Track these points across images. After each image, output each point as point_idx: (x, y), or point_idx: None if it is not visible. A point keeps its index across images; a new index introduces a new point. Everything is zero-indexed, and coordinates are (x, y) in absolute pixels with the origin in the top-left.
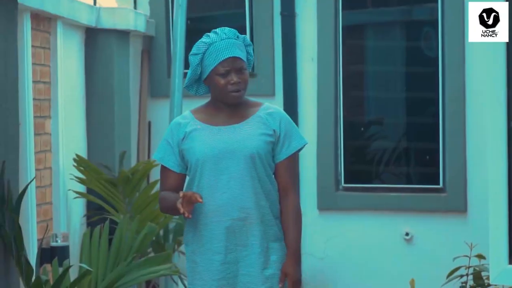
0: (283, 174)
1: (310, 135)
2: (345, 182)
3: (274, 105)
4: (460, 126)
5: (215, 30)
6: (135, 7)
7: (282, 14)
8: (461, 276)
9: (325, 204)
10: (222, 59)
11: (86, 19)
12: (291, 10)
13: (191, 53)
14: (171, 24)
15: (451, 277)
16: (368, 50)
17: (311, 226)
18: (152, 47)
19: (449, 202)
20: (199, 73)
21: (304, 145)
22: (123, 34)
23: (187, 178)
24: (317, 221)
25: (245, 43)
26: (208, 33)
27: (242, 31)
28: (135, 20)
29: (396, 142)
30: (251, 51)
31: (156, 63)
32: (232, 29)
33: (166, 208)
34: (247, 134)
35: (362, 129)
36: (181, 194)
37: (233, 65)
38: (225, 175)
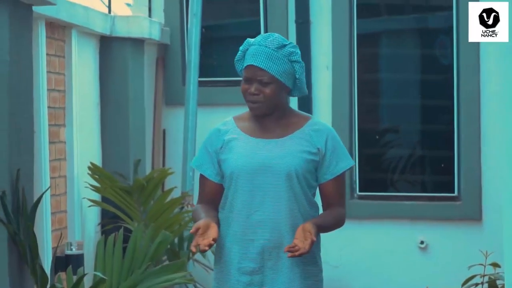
0: (329, 195)
1: None
2: (360, 191)
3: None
4: (475, 134)
5: (266, 34)
6: (149, 15)
7: (296, 22)
8: (476, 284)
9: None
10: (246, 64)
11: (101, 27)
12: (305, 18)
13: (240, 47)
14: (185, 32)
15: (466, 285)
16: (383, 58)
17: (326, 234)
18: (166, 55)
19: (464, 210)
20: (239, 69)
21: (352, 166)
22: (138, 42)
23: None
24: None
25: (290, 58)
26: (262, 34)
27: None
28: (149, 28)
29: (411, 150)
30: (299, 69)
31: (170, 71)
32: (281, 38)
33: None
34: (286, 151)
35: (377, 137)
36: (196, 226)
37: (254, 74)
38: (260, 192)
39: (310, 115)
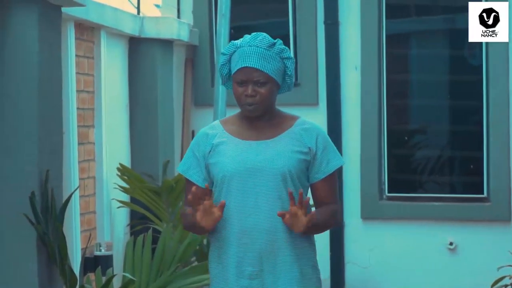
0: (323, 194)
1: (354, 144)
2: (388, 191)
3: (318, 115)
4: (504, 135)
5: (253, 33)
6: (178, 16)
7: (325, 22)
8: (506, 286)
9: (368, 213)
10: (240, 67)
11: (130, 28)
12: (334, 19)
13: (221, 51)
14: (214, 33)
15: (495, 287)
16: (411, 58)
17: (355, 235)
18: (195, 56)
19: (493, 211)
20: (226, 73)
21: (342, 165)
22: (167, 43)
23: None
24: (360, 230)
25: (282, 56)
26: (247, 35)
27: (285, 40)
28: (178, 29)
29: (440, 151)
30: (290, 65)
31: (199, 72)
32: (270, 37)
33: (188, 226)
34: (279, 151)
35: (406, 138)
36: (193, 189)
37: (250, 76)
38: (252, 194)
39: (297, 115)
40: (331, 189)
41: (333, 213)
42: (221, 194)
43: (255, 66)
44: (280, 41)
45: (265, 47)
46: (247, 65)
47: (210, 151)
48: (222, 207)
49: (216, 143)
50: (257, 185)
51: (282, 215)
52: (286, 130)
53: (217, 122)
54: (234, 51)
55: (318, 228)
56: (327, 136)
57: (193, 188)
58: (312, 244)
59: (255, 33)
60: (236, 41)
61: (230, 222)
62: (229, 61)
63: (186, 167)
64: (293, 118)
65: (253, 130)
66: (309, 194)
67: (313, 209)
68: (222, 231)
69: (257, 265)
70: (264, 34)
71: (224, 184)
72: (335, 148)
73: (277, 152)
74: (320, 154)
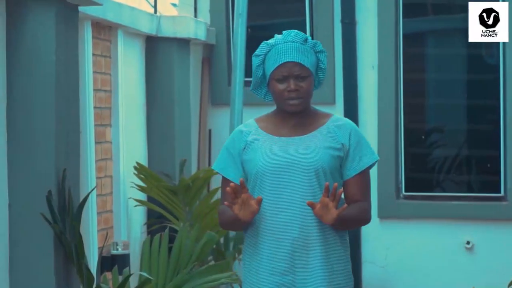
0: (353, 191)
1: (371, 143)
2: (405, 190)
3: (335, 114)
4: None
5: (284, 32)
6: (195, 16)
7: (342, 21)
8: None
9: (385, 213)
10: (280, 63)
11: (147, 28)
12: (351, 18)
13: (254, 54)
14: (231, 32)
15: None
16: (428, 57)
17: (372, 234)
18: (212, 55)
19: (511, 210)
20: (260, 75)
21: (376, 162)
22: (184, 43)
23: None
24: (377, 229)
25: (316, 49)
26: (277, 34)
27: None
28: (195, 28)
29: (457, 150)
30: (324, 59)
31: (216, 71)
32: (301, 32)
33: (226, 222)
34: (312, 147)
35: (423, 136)
36: (231, 185)
37: (291, 70)
38: (286, 190)
39: (331, 112)
40: (362, 186)
41: (363, 211)
42: (254, 190)
43: (297, 60)
44: (309, 36)
45: (300, 42)
46: (288, 60)
47: (245, 148)
48: (259, 201)
49: (250, 140)
50: (290, 181)
51: (312, 205)
52: (319, 127)
53: (251, 120)
54: (269, 50)
55: (346, 223)
56: (361, 133)
57: (231, 184)
58: (344, 241)
59: (286, 30)
60: (268, 41)
61: (263, 218)
62: (263, 62)
63: (222, 166)
64: (327, 115)
65: (287, 127)
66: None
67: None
68: (256, 227)
69: (289, 260)
70: (296, 30)
71: (257, 180)
72: (368, 144)
73: (310, 148)
74: (353, 151)
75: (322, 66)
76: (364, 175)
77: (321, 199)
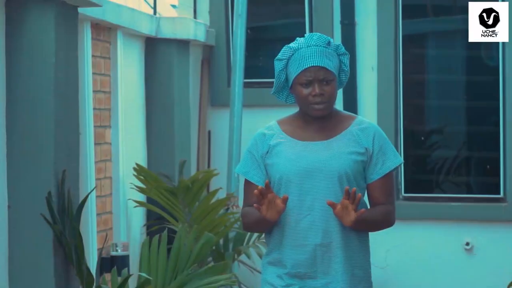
0: (377, 195)
1: None
2: (405, 192)
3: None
4: None
5: (306, 35)
6: (195, 17)
7: (342, 23)
8: None
9: None
10: (304, 67)
11: (146, 29)
12: (351, 19)
13: (276, 58)
14: (231, 33)
15: None
16: (428, 59)
17: (372, 235)
18: (212, 57)
19: (510, 211)
20: (283, 79)
21: (400, 165)
22: (183, 44)
23: None
24: None
25: (338, 52)
26: (298, 38)
27: None
28: (195, 29)
29: (457, 151)
30: (346, 61)
31: (216, 73)
32: (324, 35)
33: (251, 223)
34: (336, 152)
35: (423, 138)
36: (258, 188)
37: (316, 75)
38: (309, 195)
39: (355, 114)
40: (386, 190)
41: (386, 214)
42: (278, 195)
43: (322, 65)
44: (331, 38)
45: (324, 46)
46: (312, 64)
47: (268, 151)
48: (285, 200)
49: (273, 144)
50: (313, 186)
51: (332, 206)
52: (343, 130)
53: (274, 122)
54: (292, 55)
55: (367, 225)
56: (385, 135)
57: (259, 187)
58: (366, 247)
59: (308, 34)
60: (290, 45)
61: (286, 223)
62: (286, 66)
63: (246, 169)
64: (351, 118)
65: (310, 130)
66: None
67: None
68: (279, 233)
69: (311, 266)
70: (318, 33)
71: (281, 185)
72: (392, 147)
73: (334, 153)
74: (376, 155)
75: (345, 68)
76: (387, 178)
77: (342, 201)
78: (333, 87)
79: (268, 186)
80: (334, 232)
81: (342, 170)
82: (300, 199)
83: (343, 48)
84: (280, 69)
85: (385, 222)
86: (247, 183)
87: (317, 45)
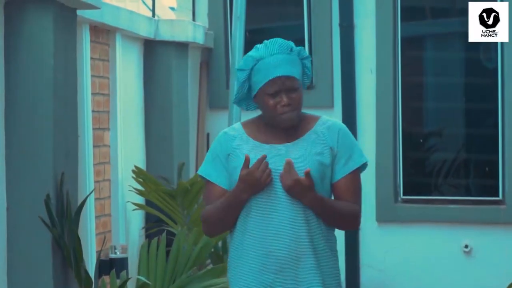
0: (341, 194)
1: (369, 147)
2: (404, 194)
3: (333, 118)
4: None
5: (266, 42)
6: (193, 19)
7: (341, 25)
8: None
9: (384, 216)
10: (271, 78)
11: (145, 31)
12: (350, 21)
13: (237, 67)
14: (229, 36)
15: None
16: (427, 61)
17: (370, 237)
18: (210, 59)
19: (509, 214)
20: (246, 90)
21: (364, 164)
22: (182, 46)
23: None
24: (376, 233)
25: (301, 56)
26: (258, 45)
27: (301, 42)
28: (193, 32)
29: (455, 154)
30: (309, 64)
31: (214, 75)
32: (286, 41)
33: (219, 213)
34: (300, 155)
35: (421, 140)
36: (246, 157)
37: (283, 85)
38: (274, 201)
39: (319, 115)
40: (351, 190)
41: (352, 211)
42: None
43: (287, 74)
44: (292, 42)
45: (287, 53)
46: (279, 74)
47: (230, 154)
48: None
49: (235, 146)
50: (278, 192)
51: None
52: (307, 131)
53: (238, 124)
54: (255, 64)
55: (329, 209)
56: (350, 133)
57: (246, 156)
58: (334, 252)
59: (269, 40)
60: (252, 54)
61: (252, 230)
62: (249, 76)
63: (209, 171)
64: (315, 118)
65: (274, 132)
66: None
67: None
68: (243, 239)
69: (278, 272)
70: (279, 39)
71: None
72: (357, 146)
73: (298, 156)
74: (340, 153)
75: (307, 72)
76: (352, 178)
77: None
78: (300, 94)
79: (248, 160)
80: (301, 237)
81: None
82: (265, 205)
83: (305, 52)
84: (243, 79)
85: (348, 216)
86: (210, 184)
87: (281, 53)
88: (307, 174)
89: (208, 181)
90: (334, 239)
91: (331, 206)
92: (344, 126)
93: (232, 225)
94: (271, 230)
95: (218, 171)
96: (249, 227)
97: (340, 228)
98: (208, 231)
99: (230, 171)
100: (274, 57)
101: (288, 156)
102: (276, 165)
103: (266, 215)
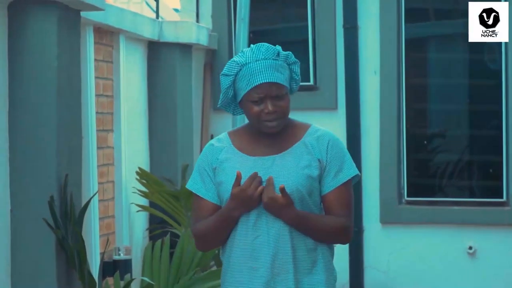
0: (330, 208)
1: (373, 148)
2: (408, 196)
3: (337, 119)
4: None
5: (252, 46)
6: (197, 21)
7: (344, 27)
8: None
9: (388, 218)
10: (255, 84)
11: (149, 33)
12: (353, 23)
13: (222, 72)
14: (233, 37)
15: None
16: (431, 62)
17: (374, 239)
18: (214, 61)
19: None
20: (231, 96)
21: (354, 177)
22: (186, 48)
23: None
24: (380, 234)
25: (288, 62)
26: (244, 49)
27: (304, 44)
28: (197, 33)
29: (459, 155)
30: (297, 69)
31: (218, 76)
32: (272, 46)
33: (211, 228)
34: (286, 168)
35: (425, 142)
36: (238, 173)
37: (268, 91)
38: (261, 216)
39: (309, 123)
40: (341, 202)
41: (340, 226)
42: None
43: (272, 80)
44: (279, 46)
45: (273, 58)
46: (263, 81)
47: (216, 168)
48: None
49: (221, 159)
50: (263, 206)
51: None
52: (296, 142)
53: (224, 134)
54: (240, 70)
55: (312, 226)
56: (341, 144)
57: (238, 173)
58: (321, 267)
59: (255, 45)
60: (236, 59)
61: (238, 244)
62: (234, 81)
63: (197, 185)
64: (305, 127)
65: (261, 143)
66: None
67: None
68: (230, 252)
69: (265, 284)
70: (265, 44)
71: None
72: (348, 157)
73: (285, 169)
74: (329, 165)
75: (295, 77)
76: (342, 191)
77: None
78: (287, 101)
79: (240, 177)
80: (288, 253)
81: (294, 187)
82: (251, 220)
83: (293, 57)
84: (228, 85)
85: (335, 233)
86: (199, 200)
87: (266, 58)
88: (283, 190)
89: (197, 195)
90: (327, 253)
91: (315, 223)
92: (334, 136)
93: (225, 240)
94: (255, 247)
95: (207, 185)
96: (236, 242)
97: (328, 243)
98: (200, 247)
99: (216, 184)
100: (259, 62)
101: (274, 168)
102: (263, 178)
103: (253, 231)
